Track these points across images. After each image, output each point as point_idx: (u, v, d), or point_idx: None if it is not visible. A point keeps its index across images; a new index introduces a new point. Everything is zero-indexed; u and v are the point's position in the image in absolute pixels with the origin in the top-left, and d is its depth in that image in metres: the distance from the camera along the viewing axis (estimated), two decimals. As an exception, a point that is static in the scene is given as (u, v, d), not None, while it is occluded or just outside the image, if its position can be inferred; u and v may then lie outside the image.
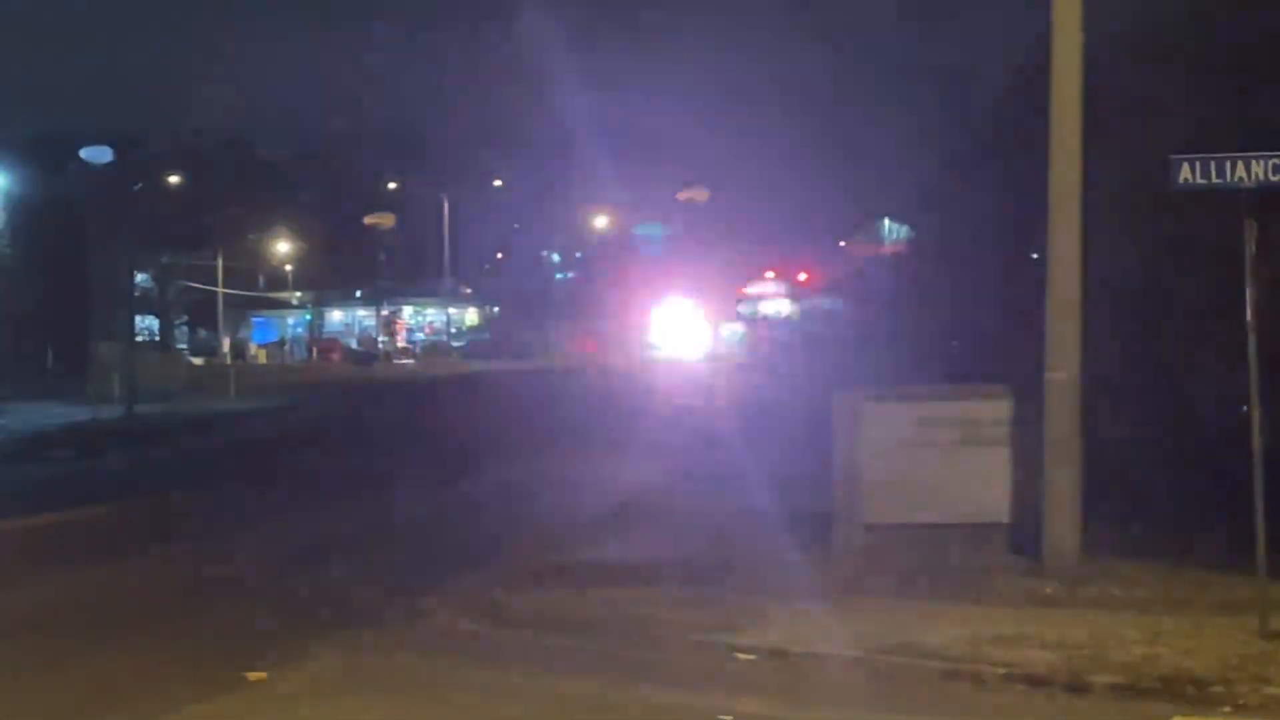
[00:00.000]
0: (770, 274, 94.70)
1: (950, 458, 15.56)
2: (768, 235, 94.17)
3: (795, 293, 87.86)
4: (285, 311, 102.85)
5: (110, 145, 58.90)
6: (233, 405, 50.16)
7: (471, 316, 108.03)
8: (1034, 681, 10.90)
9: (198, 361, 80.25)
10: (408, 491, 23.98)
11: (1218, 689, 10.51)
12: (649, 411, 39.24)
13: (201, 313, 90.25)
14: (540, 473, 25.84)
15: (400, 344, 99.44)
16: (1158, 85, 19.11)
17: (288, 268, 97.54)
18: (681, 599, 13.94)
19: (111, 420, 43.02)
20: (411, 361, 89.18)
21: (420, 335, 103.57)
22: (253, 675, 11.60)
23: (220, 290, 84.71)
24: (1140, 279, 19.16)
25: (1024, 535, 15.01)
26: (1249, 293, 12.49)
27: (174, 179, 76.45)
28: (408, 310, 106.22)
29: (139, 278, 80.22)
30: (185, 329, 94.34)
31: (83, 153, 58.65)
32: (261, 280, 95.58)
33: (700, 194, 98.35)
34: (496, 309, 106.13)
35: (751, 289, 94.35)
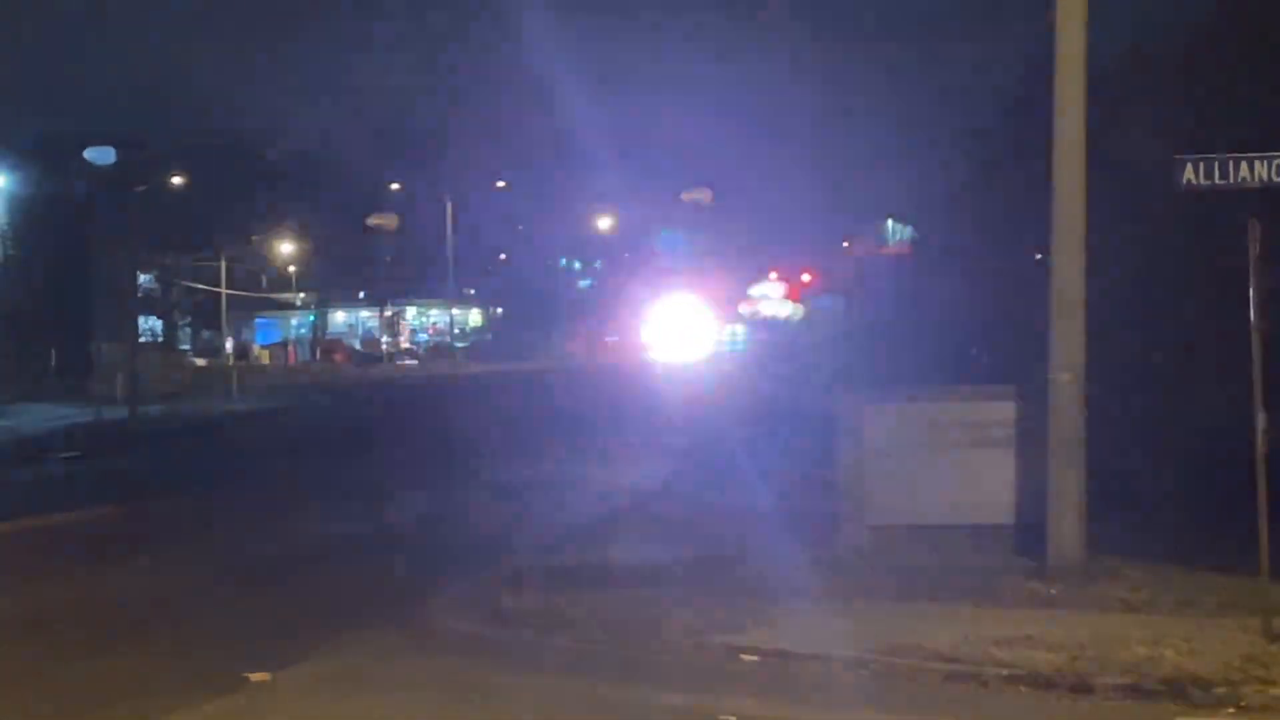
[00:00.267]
0: (774, 275, 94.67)
1: (954, 459, 15.56)
2: (771, 236, 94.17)
3: (798, 293, 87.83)
4: (289, 312, 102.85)
5: (114, 146, 58.95)
6: (236, 406, 50.20)
7: (475, 317, 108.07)
8: (1038, 682, 10.89)
9: (201, 362, 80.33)
10: (409, 493, 23.98)
11: (1221, 690, 10.49)
12: (652, 413, 39.22)
13: (205, 314, 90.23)
14: (542, 474, 25.84)
15: (403, 345, 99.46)
16: (1159, 86, 19.10)
17: (291, 268, 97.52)
18: (684, 600, 13.93)
19: (115, 421, 43.06)
20: (415, 362, 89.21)
21: (423, 336, 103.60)
22: (255, 676, 11.60)
23: (224, 291, 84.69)
24: (1144, 280, 19.16)
25: (1028, 536, 15.00)
26: (1253, 294, 12.48)
27: (177, 180, 76.38)
28: (411, 311, 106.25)
29: (142, 278, 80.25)
30: (189, 330, 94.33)
31: (86, 153, 58.71)
32: (265, 281, 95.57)
33: (705, 195, 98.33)
34: (500, 310, 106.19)
35: (754, 290, 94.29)
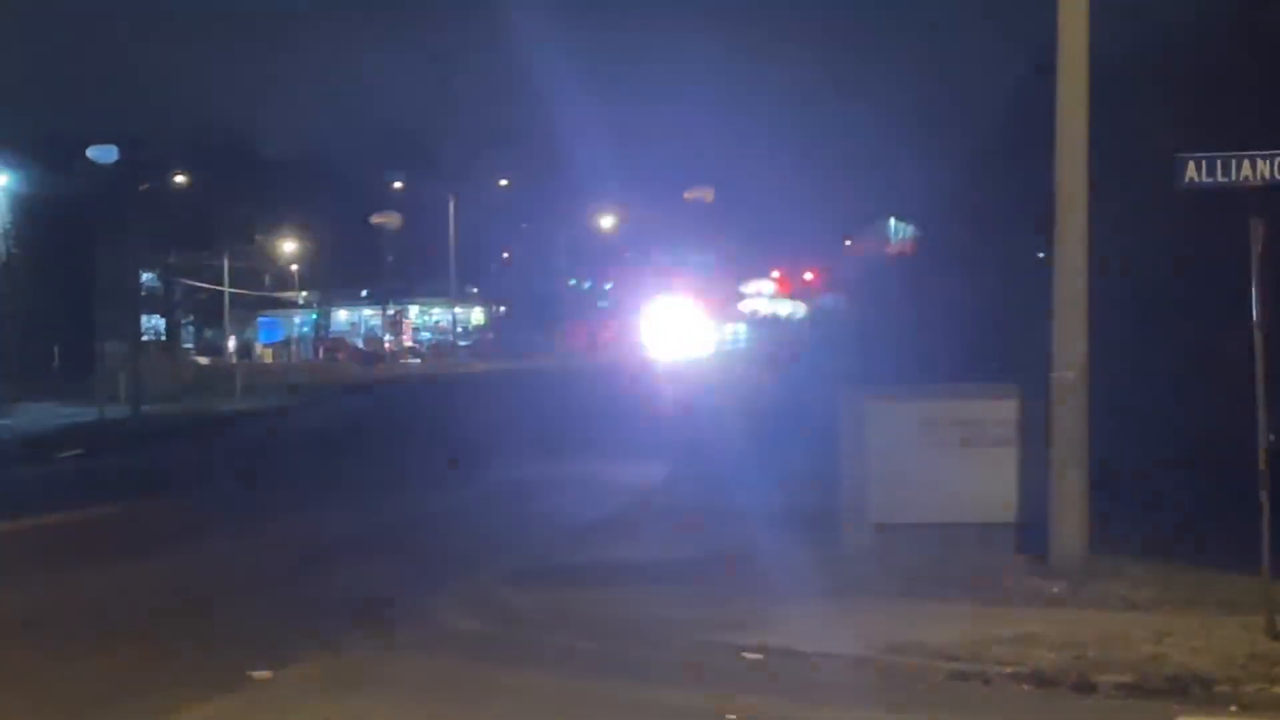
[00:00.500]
0: (775, 273, 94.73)
1: (957, 457, 15.56)
2: (773, 235, 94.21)
3: (800, 292, 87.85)
4: (291, 311, 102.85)
5: (117, 145, 58.96)
6: (239, 405, 50.21)
7: (477, 316, 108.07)
8: (1041, 681, 10.90)
9: (204, 361, 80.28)
10: (412, 492, 24.02)
11: (1224, 688, 10.50)
12: (654, 411, 39.23)
13: (208, 312, 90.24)
14: (545, 472, 25.86)
15: (406, 343, 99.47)
16: (1162, 84, 19.11)
17: (294, 267, 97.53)
18: (687, 598, 13.95)
19: (118, 420, 43.10)
20: (417, 361, 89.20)
21: (426, 335, 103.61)
22: (258, 674, 11.61)
23: (226, 290, 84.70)
24: (1147, 278, 19.18)
25: (1031, 535, 15.00)
26: (1255, 292, 12.48)
27: (180, 178, 76.42)
28: (414, 310, 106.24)
29: (145, 277, 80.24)
30: (191, 329, 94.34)
31: (89, 152, 58.72)
32: (267, 280, 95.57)
33: (707, 194, 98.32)
34: (503, 309, 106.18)
35: (752, 288, 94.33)
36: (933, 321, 28.55)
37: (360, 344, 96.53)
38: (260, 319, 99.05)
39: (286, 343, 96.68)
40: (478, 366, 77.53)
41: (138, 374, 47.95)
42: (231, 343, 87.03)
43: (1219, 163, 12.42)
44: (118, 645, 12.92)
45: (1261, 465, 12.29)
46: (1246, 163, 12.36)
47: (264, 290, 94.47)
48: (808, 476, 19.16)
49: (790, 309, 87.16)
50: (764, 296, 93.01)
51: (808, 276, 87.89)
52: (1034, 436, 15.14)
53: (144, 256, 71.55)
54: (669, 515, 19.82)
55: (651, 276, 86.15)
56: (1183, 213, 16.90)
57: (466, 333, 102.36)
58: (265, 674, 11.63)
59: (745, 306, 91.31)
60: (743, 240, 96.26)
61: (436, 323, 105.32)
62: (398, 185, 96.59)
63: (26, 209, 65.92)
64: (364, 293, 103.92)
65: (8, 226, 65.84)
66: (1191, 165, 12.49)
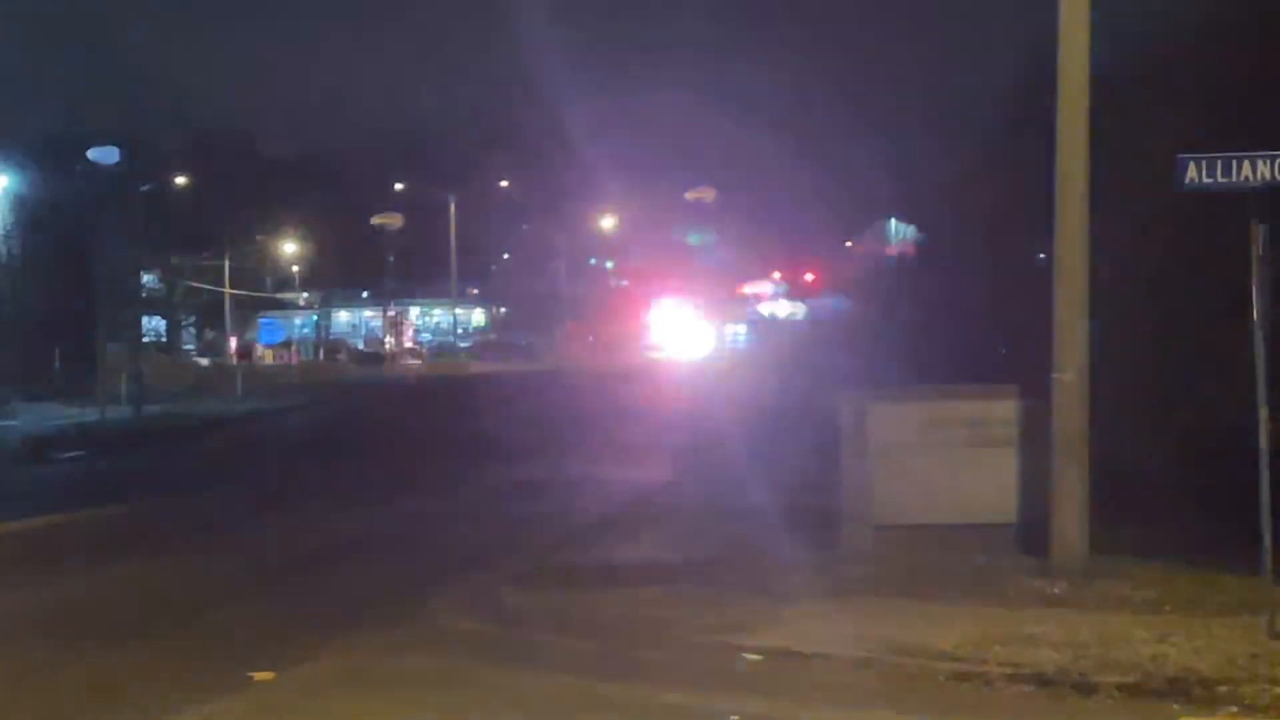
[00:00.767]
0: (777, 274, 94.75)
1: (958, 458, 15.57)
2: (775, 235, 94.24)
3: (801, 292, 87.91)
4: (292, 312, 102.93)
5: (118, 146, 58.94)
6: (239, 406, 50.22)
7: (478, 317, 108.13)
8: (1041, 681, 10.90)
9: (205, 362, 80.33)
10: (413, 492, 24.02)
11: (1225, 689, 10.50)
12: (655, 412, 39.26)
13: (209, 313, 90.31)
14: (546, 473, 25.86)
15: (407, 344, 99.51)
16: (1163, 85, 19.10)
17: (295, 268, 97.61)
18: (688, 599, 13.95)
19: (119, 421, 43.10)
20: (418, 362, 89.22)
21: (427, 336, 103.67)
22: (259, 675, 11.62)
23: (227, 291, 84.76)
24: (1148, 279, 19.17)
25: (1032, 535, 15.01)
26: (1255, 292, 12.49)
27: (181, 180, 76.49)
28: (414, 311, 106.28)
29: (146, 278, 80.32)
30: (192, 330, 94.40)
31: (90, 153, 58.70)
32: (268, 281, 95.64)
33: (708, 194, 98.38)
34: (504, 310, 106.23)
35: (753, 289, 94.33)
36: (933, 322, 28.55)
37: (361, 345, 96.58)
38: (261, 320, 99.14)
39: (287, 344, 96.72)
40: (478, 367, 77.55)
41: (139, 375, 48.00)
42: (232, 344, 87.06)
43: (1220, 163, 12.43)
44: (119, 645, 12.92)
45: (1263, 464, 12.30)
46: (1247, 163, 12.37)
47: (265, 291, 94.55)
48: (808, 477, 19.17)
49: (789, 309, 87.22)
50: (767, 297, 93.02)
51: (808, 277, 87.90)
52: (1035, 437, 15.14)
53: (145, 258, 71.63)
54: (670, 516, 19.83)
55: (651, 275, 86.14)
56: (1184, 211, 16.89)
57: (467, 334, 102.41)
58: (267, 675, 11.64)
59: (744, 307, 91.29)
60: (744, 241, 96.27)
61: (437, 324, 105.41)
62: (399, 186, 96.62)
63: (27, 210, 65.90)
64: (365, 294, 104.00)
65: (8, 228, 65.84)
66: (1193, 166, 12.50)
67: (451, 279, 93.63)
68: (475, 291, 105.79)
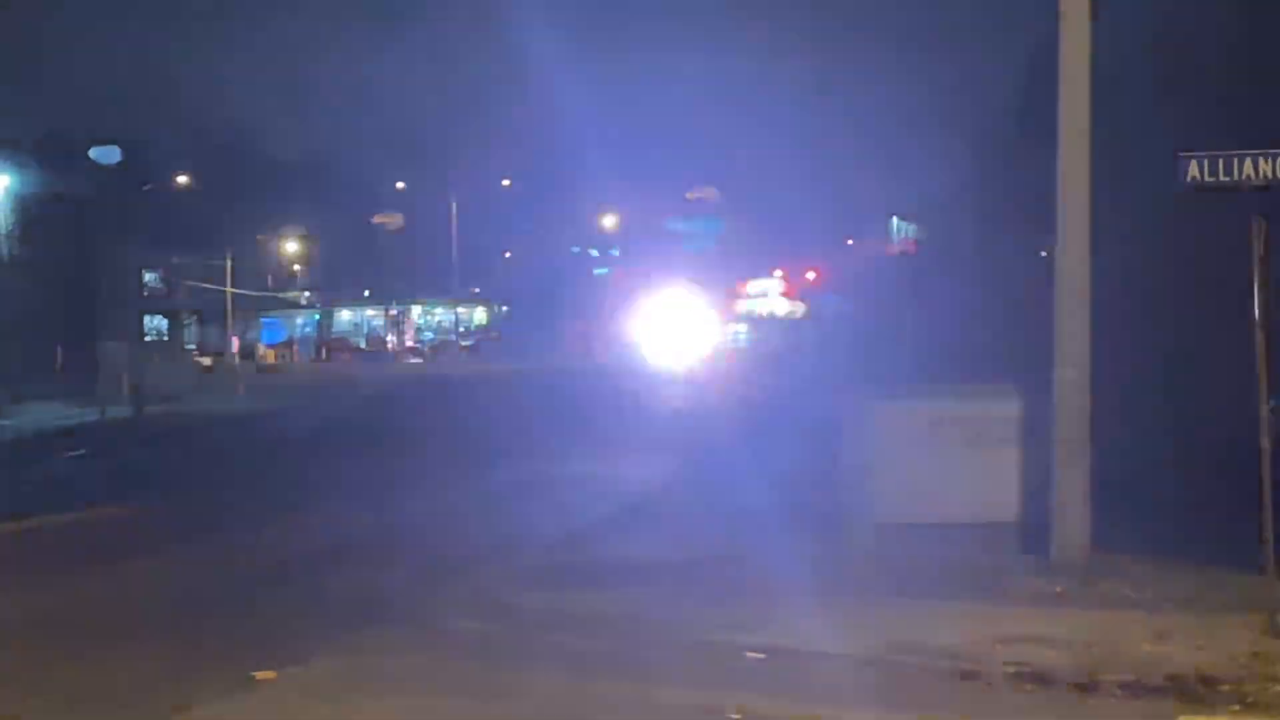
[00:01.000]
0: (778, 272, 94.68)
1: (959, 457, 15.55)
2: (776, 235, 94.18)
3: (803, 291, 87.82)
4: (294, 311, 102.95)
5: (119, 145, 58.99)
6: (241, 405, 50.24)
7: (480, 316, 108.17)
8: (1043, 680, 10.89)
9: (206, 362, 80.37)
10: (414, 492, 24.00)
11: (1226, 687, 10.49)
12: (656, 411, 39.24)
13: (210, 313, 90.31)
14: (546, 472, 25.84)
15: (409, 343, 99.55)
16: (1165, 82, 19.09)
17: (296, 267, 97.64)
18: (690, 598, 13.95)
19: (121, 420, 43.12)
20: (420, 361, 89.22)
21: (429, 335, 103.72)
22: (261, 674, 11.61)
23: (229, 290, 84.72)
24: (1149, 278, 19.18)
25: (1033, 534, 15.01)
26: (1256, 291, 12.49)
27: (182, 179, 76.54)
28: (416, 310, 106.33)
29: (147, 278, 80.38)
30: (194, 329, 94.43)
31: (92, 153, 58.79)
32: (270, 280, 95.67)
33: (710, 193, 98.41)
34: (505, 308, 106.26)
35: (749, 287, 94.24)
36: (934, 320, 28.56)
37: (363, 344, 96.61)
38: (263, 319, 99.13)
39: (289, 343, 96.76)
40: (480, 366, 77.55)
41: (140, 374, 47.99)
42: (234, 343, 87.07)
43: (1220, 161, 12.43)
44: (121, 645, 12.92)
45: (1264, 463, 12.30)
46: (1248, 161, 12.38)
47: (267, 290, 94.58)
48: (810, 476, 19.15)
49: (788, 308, 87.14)
50: (767, 297, 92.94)
51: (810, 276, 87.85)
52: (1036, 436, 15.14)
53: (146, 257, 71.71)
54: (671, 514, 19.82)
55: (651, 274, 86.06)
56: (1186, 210, 16.90)
57: (469, 333, 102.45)
58: (268, 674, 11.64)
59: (744, 306, 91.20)
60: (745, 240, 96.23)
61: (439, 323, 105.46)
62: (400, 185, 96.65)
63: (29, 209, 65.98)
64: (366, 293, 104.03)
65: (10, 227, 65.91)
66: (1194, 164, 12.51)
67: (454, 278, 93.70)
68: (477, 290, 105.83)
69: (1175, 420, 18.12)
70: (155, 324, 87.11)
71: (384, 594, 15.12)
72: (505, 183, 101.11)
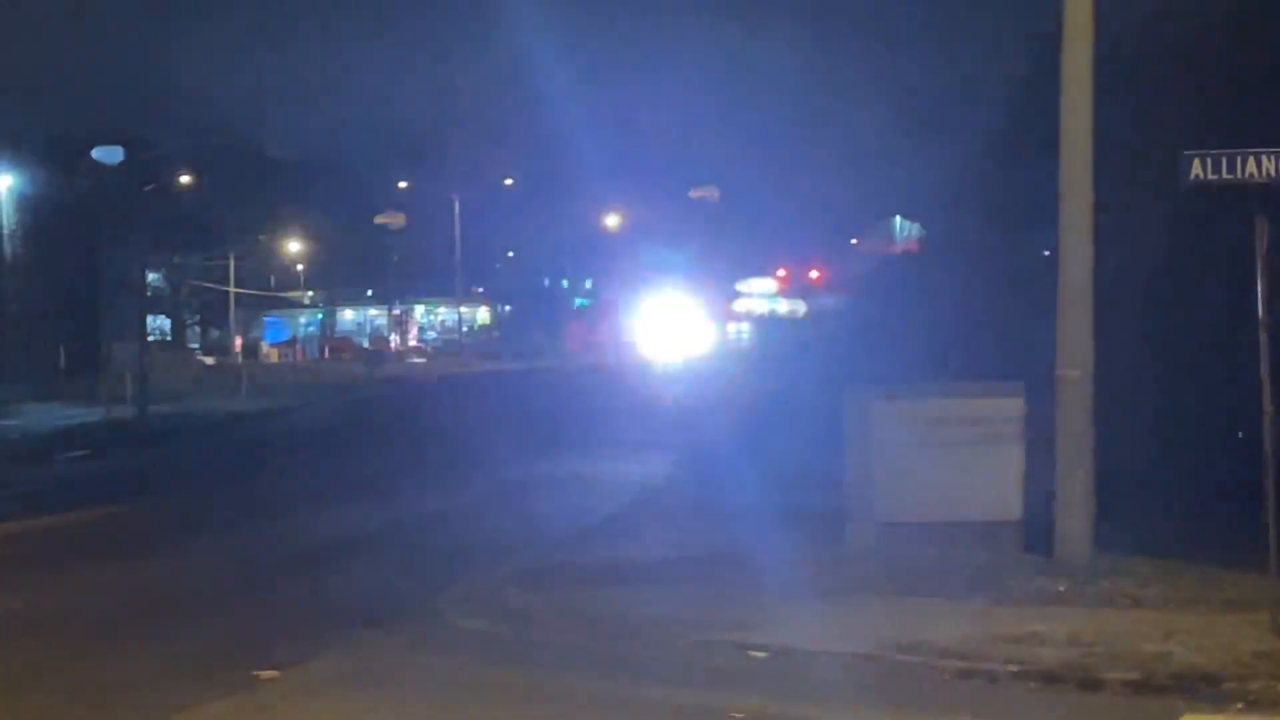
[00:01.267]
0: (781, 271, 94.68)
1: (962, 456, 15.55)
2: (779, 234, 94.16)
3: (805, 290, 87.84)
4: (297, 311, 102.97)
5: (121, 145, 58.97)
6: (244, 405, 50.22)
7: (483, 315, 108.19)
8: (1046, 679, 10.89)
9: (209, 361, 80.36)
10: (417, 490, 24.02)
11: (1229, 685, 10.49)
12: (657, 410, 39.25)
13: (213, 312, 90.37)
14: (548, 471, 25.86)
15: (412, 343, 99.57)
16: (1167, 80, 19.08)
17: (299, 267, 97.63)
18: (692, 597, 13.95)
19: (124, 420, 43.09)
20: (423, 360, 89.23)
21: (432, 334, 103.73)
22: (264, 674, 11.63)
23: (232, 290, 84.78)
24: (1152, 277, 19.16)
25: (1036, 533, 15.01)
26: (1259, 289, 12.49)
27: (185, 179, 76.51)
28: (419, 309, 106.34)
29: (151, 277, 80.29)
30: (197, 329, 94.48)
31: (94, 153, 58.73)
32: (273, 280, 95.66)
33: (712, 193, 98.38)
34: (508, 308, 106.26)
35: (754, 287, 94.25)
36: (938, 320, 28.54)
37: (366, 343, 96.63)
38: (266, 319, 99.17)
39: (292, 342, 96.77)
40: (483, 366, 77.57)
41: (144, 374, 47.92)
42: (237, 343, 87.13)
43: (1224, 159, 12.41)
44: (125, 644, 12.94)
45: (1267, 461, 12.29)
46: (1252, 159, 12.35)
47: (269, 290, 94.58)
48: (812, 475, 19.15)
49: (789, 307, 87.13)
50: (762, 295, 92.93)
51: (813, 275, 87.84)
52: (1039, 435, 15.13)
53: (149, 257, 71.57)
54: (673, 514, 19.82)
55: (646, 276, 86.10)
56: (1189, 209, 16.89)
57: (472, 332, 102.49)
58: (272, 674, 11.65)
59: (742, 306, 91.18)
60: (748, 239, 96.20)
61: (442, 322, 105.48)
62: (403, 185, 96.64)
63: (32, 210, 65.99)
64: (369, 292, 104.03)
65: (13, 228, 65.92)
66: (1197, 162, 12.49)
67: (456, 277, 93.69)
68: (480, 290, 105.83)
69: (1178, 419, 18.09)
70: (158, 324, 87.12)
71: (386, 593, 15.14)
72: (508, 182, 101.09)
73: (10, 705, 11.00)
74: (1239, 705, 10.24)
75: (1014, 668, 11.09)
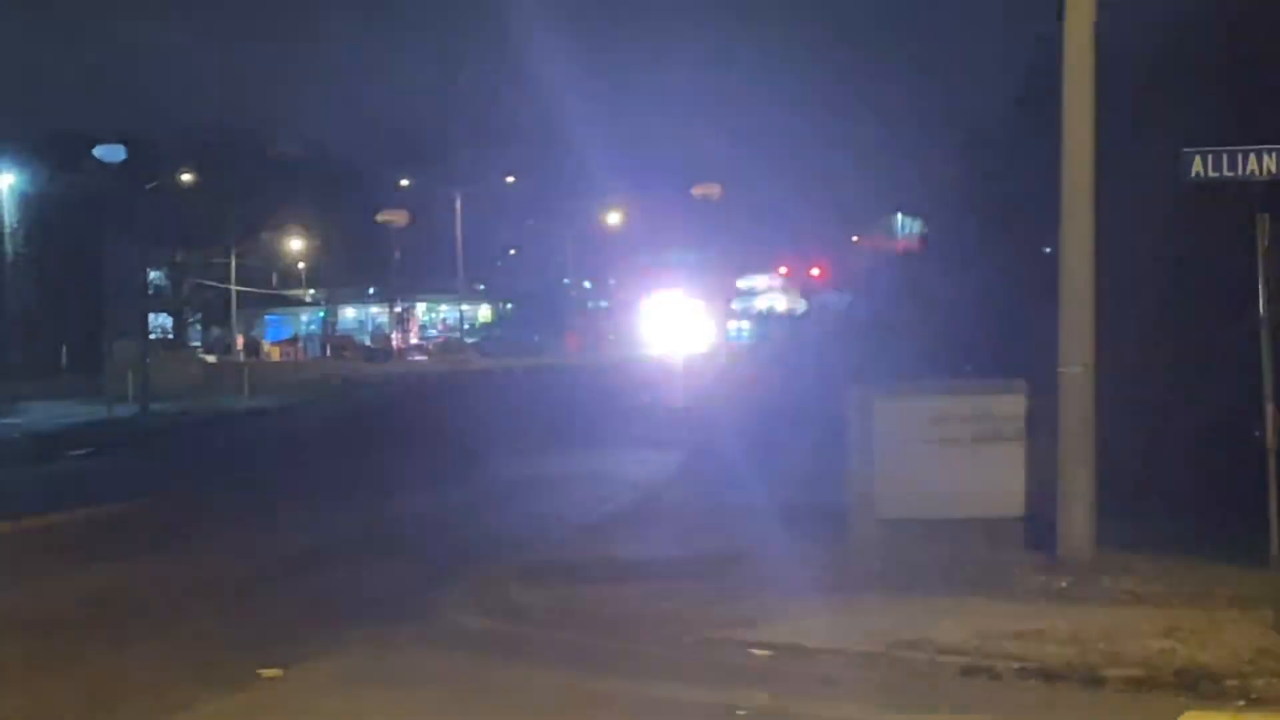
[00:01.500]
0: (783, 268, 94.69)
1: (964, 453, 15.56)
2: (780, 232, 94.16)
3: (806, 287, 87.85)
4: (299, 309, 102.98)
5: (124, 143, 58.98)
6: (246, 403, 50.28)
7: (485, 313, 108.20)
8: (1049, 676, 10.90)
9: (211, 359, 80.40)
10: (419, 489, 24.02)
11: (1232, 683, 10.49)
12: (658, 408, 39.25)
13: (215, 310, 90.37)
14: (551, 469, 25.88)
15: (414, 341, 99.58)
16: (1168, 78, 19.07)
17: (301, 265, 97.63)
18: (695, 595, 13.95)
19: (127, 418, 43.16)
20: (425, 358, 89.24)
21: (433, 332, 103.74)
22: (267, 672, 11.63)
23: (234, 288, 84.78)
24: (1154, 272, 19.15)
25: (1038, 530, 15.00)
26: (1261, 286, 12.50)
27: (187, 177, 76.55)
28: (421, 307, 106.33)
29: (153, 275, 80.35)
30: (199, 327, 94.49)
31: (96, 151, 58.72)
32: (275, 278, 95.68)
33: (714, 190, 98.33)
34: (510, 305, 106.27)
35: (743, 283, 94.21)
36: (940, 317, 28.53)
37: (368, 341, 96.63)
38: (268, 317, 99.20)
39: (294, 340, 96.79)
40: (485, 364, 77.56)
41: (145, 372, 47.98)
42: (239, 341, 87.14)
43: (1224, 156, 12.43)
44: (128, 642, 12.95)
45: (1269, 458, 12.30)
46: (1253, 156, 12.38)
47: (271, 288, 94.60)
48: (814, 472, 19.15)
49: (788, 304, 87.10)
50: (765, 292, 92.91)
51: (815, 272, 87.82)
52: (1042, 432, 15.13)
53: (151, 255, 71.61)
54: (675, 511, 19.83)
55: (649, 274, 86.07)
56: (1190, 206, 16.88)
57: (474, 330, 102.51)
58: (275, 672, 11.66)
59: (742, 303, 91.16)
60: (750, 237, 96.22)
61: (443, 320, 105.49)
62: (405, 183, 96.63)
63: (34, 208, 66.07)
64: (371, 290, 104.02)
65: (15, 226, 65.96)
66: (1198, 159, 12.50)
67: (459, 275, 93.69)
68: (482, 288, 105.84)
69: (1181, 416, 18.08)
70: (160, 322, 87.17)
71: (389, 590, 15.15)
72: (509, 179, 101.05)
73: (11, 703, 11.01)
74: (1241, 702, 10.25)
75: (1016, 665, 11.09)
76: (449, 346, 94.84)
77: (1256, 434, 12.96)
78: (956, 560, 14.62)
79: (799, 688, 11.02)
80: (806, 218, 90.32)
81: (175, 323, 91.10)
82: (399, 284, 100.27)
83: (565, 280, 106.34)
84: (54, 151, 67.77)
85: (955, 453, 15.56)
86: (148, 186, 62.15)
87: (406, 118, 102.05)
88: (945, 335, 26.44)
